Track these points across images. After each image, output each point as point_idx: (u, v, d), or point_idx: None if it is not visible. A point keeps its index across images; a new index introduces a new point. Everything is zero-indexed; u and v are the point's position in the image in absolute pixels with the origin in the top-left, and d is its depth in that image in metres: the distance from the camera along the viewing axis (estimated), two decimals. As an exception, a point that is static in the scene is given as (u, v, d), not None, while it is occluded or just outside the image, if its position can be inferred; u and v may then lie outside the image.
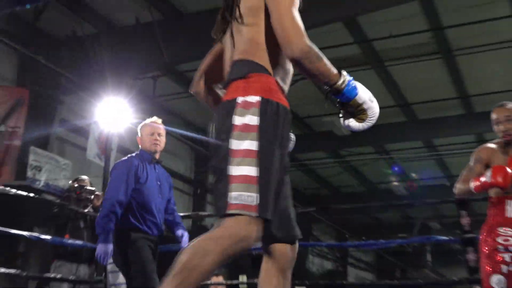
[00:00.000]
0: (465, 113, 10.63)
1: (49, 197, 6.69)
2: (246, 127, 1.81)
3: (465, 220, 4.43)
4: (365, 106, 1.89)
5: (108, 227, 3.76)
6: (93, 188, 5.95)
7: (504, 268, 3.07)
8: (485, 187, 3.20)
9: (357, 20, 8.02)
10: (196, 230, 10.69)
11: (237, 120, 1.83)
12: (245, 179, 1.76)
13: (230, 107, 1.87)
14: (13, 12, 7.33)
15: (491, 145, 3.52)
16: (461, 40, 8.29)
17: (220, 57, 2.18)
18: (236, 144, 1.80)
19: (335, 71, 1.84)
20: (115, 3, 7.63)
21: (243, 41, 1.97)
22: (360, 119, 1.93)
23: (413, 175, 14.17)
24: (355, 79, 1.87)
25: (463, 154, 12.28)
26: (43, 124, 7.52)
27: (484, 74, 9.27)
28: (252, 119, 1.82)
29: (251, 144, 1.79)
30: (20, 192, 5.33)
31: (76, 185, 5.80)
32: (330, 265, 17.24)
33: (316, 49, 1.80)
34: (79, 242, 5.52)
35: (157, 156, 4.17)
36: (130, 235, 3.82)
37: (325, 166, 13.48)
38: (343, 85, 1.84)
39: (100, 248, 3.77)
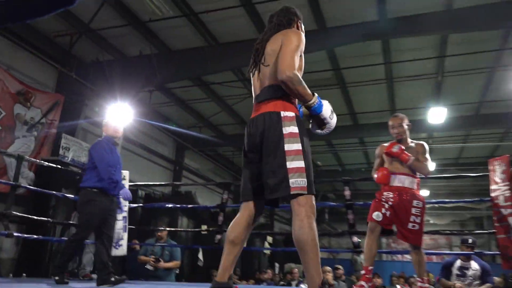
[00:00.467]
0: (352, 124, 10.71)
1: (74, 169, 6.49)
2: (292, 135, 1.90)
3: (347, 192, 4.51)
4: (325, 121, 2.04)
5: (116, 179, 3.66)
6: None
7: (382, 210, 3.31)
8: (377, 180, 3.48)
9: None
10: (174, 193, 10.58)
11: (285, 130, 1.90)
12: (298, 170, 1.85)
13: (278, 118, 1.93)
14: (54, 40, 7.16)
15: (385, 144, 3.58)
16: (351, 77, 8.45)
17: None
18: (290, 146, 1.88)
19: (309, 92, 1.95)
20: (126, 39, 7.48)
21: (269, 72, 2.03)
22: (322, 128, 2.09)
23: (318, 163, 14.35)
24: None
25: (350, 150, 12.58)
26: (72, 119, 7.35)
27: (365, 99, 9.44)
28: (294, 129, 1.91)
29: (298, 146, 1.88)
30: (53, 164, 5.20)
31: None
32: (262, 220, 17.28)
33: (299, 77, 1.91)
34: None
35: (117, 141, 4.05)
36: (93, 192, 3.62)
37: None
38: (314, 103, 1.95)
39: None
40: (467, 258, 4.85)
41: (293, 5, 2.36)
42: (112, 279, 3.50)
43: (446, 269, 4.94)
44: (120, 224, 4.81)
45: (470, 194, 12.91)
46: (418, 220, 3.27)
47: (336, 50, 7.60)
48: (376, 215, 3.28)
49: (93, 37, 7.28)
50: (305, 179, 1.84)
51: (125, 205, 4.90)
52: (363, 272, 3.24)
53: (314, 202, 1.88)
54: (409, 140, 3.57)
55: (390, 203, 3.33)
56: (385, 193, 3.39)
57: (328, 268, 6.23)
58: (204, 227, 9.68)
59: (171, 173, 11.43)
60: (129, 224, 5.07)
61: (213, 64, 7.41)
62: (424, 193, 15.54)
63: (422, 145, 3.53)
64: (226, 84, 8.75)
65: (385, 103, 9.44)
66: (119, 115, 5.87)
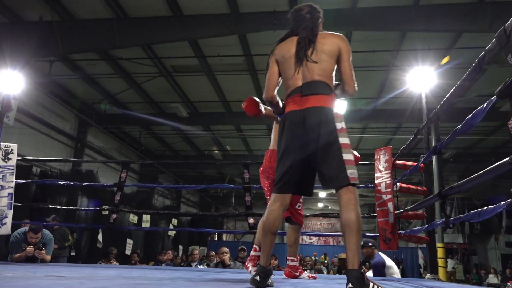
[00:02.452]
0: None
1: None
2: (343, 130, 2.04)
3: (246, 175, 4.61)
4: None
5: None
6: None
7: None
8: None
9: (198, 42, 7.98)
10: (74, 172, 10.00)
11: (338, 125, 2.02)
12: (352, 162, 2.00)
13: (330, 114, 2.05)
14: None
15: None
16: (261, 65, 8.60)
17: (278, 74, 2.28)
18: (343, 140, 2.01)
19: None
20: (24, 2, 6.82)
21: (320, 68, 2.12)
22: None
23: (227, 147, 14.48)
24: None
25: (258, 136, 12.87)
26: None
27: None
28: (343, 125, 2.05)
29: (348, 140, 2.03)
30: None
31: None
32: (168, 202, 17.08)
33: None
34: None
35: None
36: None
37: (171, 135, 13.29)
38: None
39: None
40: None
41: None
42: None
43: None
44: (4, 201, 4.44)
45: (365, 182, 13.94)
46: (301, 200, 3.26)
47: (248, 36, 7.67)
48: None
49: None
50: (356, 171, 2.01)
51: (11, 180, 4.52)
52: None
53: None
54: None
55: None
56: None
57: (225, 249, 6.33)
58: (105, 206, 9.32)
59: (71, 150, 10.77)
60: (20, 202, 4.69)
61: (121, 38, 7.05)
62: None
63: None
64: (134, 60, 8.42)
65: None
66: (7, 82, 5.32)
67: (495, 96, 1.83)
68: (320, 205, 21.13)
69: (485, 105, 1.98)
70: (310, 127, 2.04)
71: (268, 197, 3.03)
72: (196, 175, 17.85)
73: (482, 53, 2.00)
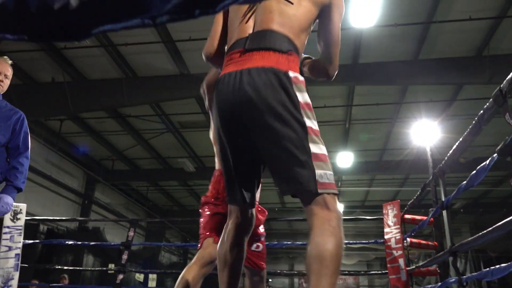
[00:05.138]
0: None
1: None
2: (309, 106, 1.32)
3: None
4: None
5: None
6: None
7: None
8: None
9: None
10: (80, 229, 9.95)
11: (300, 96, 1.30)
12: (323, 157, 1.28)
13: (284, 78, 1.30)
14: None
15: None
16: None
17: (225, 22, 1.56)
18: (309, 122, 1.28)
19: None
20: (38, 64, 7.13)
21: (288, 14, 1.40)
22: None
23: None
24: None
25: (268, 189, 12.82)
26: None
27: None
28: (308, 99, 1.33)
29: (316, 125, 1.32)
30: None
31: None
32: (175, 258, 16.77)
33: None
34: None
35: None
36: None
37: (178, 190, 13.29)
38: None
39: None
40: None
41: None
42: None
43: None
44: (11, 262, 4.40)
45: (374, 235, 13.67)
46: (263, 239, 2.34)
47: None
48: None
49: (0, 59, 6.84)
50: (331, 173, 1.28)
51: (19, 241, 4.51)
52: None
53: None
54: None
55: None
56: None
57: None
58: (111, 265, 9.17)
59: (78, 207, 10.78)
60: (26, 263, 4.65)
61: (130, 97, 7.28)
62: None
63: None
64: (142, 117, 8.61)
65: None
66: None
67: (496, 154, 1.86)
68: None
69: (487, 162, 2.01)
70: (247, 98, 1.30)
71: (200, 240, 2.15)
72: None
73: (481, 111, 2.05)
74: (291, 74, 1.32)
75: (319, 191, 1.22)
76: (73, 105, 7.27)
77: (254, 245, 2.26)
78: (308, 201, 1.24)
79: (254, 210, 1.56)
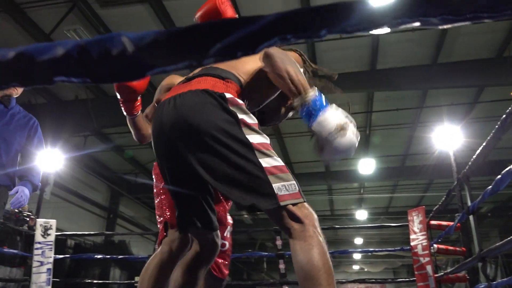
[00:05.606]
0: (324, 171, 10.83)
1: None
2: (250, 124, 1.28)
3: (278, 242, 4.57)
4: None
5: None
6: (29, 213, 5.50)
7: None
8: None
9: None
10: (106, 243, 10.12)
11: (240, 114, 1.26)
12: (281, 168, 1.25)
13: (219, 98, 1.27)
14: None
15: None
16: (287, 129, 8.78)
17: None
18: (253, 138, 1.25)
19: None
20: (61, 83, 7.33)
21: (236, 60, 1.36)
22: None
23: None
24: None
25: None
26: None
27: (300, 149, 9.69)
28: (249, 118, 1.29)
29: (263, 138, 1.28)
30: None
31: (16, 210, 5.34)
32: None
33: None
34: (14, 250, 5.05)
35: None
36: None
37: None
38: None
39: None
40: None
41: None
42: None
43: None
44: (44, 277, 4.53)
45: (399, 242, 13.47)
46: (229, 234, 2.06)
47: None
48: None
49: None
50: (293, 182, 1.23)
51: (50, 256, 4.64)
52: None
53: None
54: None
55: None
56: None
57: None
58: (137, 278, 9.30)
59: (104, 221, 10.98)
60: (56, 277, 4.78)
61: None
62: (358, 241, 16.00)
63: None
64: (164, 131, 8.75)
65: (319, 153, 9.83)
66: (47, 160, 5.64)
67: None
68: (356, 267, 20.35)
69: (512, 166, 1.99)
70: (183, 119, 1.26)
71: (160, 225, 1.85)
72: (226, 240, 17.66)
73: (504, 115, 2.05)
74: (228, 95, 1.28)
75: (281, 203, 1.17)
76: (97, 121, 7.45)
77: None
78: (274, 217, 1.21)
79: (217, 235, 1.49)
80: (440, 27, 0.38)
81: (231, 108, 1.25)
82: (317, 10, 0.37)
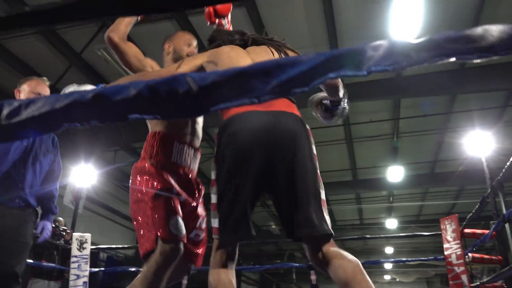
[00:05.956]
0: (352, 180, 10.69)
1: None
2: (316, 157, 1.55)
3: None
4: None
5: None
6: (65, 227, 5.68)
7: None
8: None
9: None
10: (138, 256, 10.30)
11: (314, 149, 1.52)
12: (325, 204, 1.46)
13: (307, 130, 1.54)
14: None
15: None
16: (314, 138, 8.73)
17: None
18: (318, 172, 1.48)
19: None
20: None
21: None
22: None
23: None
24: None
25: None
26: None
27: (328, 158, 9.51)
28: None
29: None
30: None
31: (53, 224, 5.51)
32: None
33: None
34: (52, 264, 5.21)
35: None
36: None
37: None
38: None
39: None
40: None
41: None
42: None
43: None
44: (79, 290, 4.66)
45: (431, 251, 13.19)
46: (203, 225, 1.99)
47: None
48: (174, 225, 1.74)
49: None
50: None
51: (86, 269, 4.78)
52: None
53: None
54: None
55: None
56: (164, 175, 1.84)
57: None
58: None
59: (134, 234, 11.16)
60: (90, 289, 4.91)
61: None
62: (388, 250, 15.70)
63: None
64: (191, 144, 8.88)
65: (346, 162, 9.76)
66: (81, 175, 5.83)
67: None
68: (387, 277, 19.96)
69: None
70: (284, 141, 1.36)
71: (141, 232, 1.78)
72: (254, 252, 17.66)
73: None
74: (308, 128, 1.50)
75: (331, 233, 1.35)
76: (126, 136, 7.66)
77: (194, 233, 1.93)
78: (323, 243, 1.35)
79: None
80: (475, 60, 0.43)
81: (311, 140, 1.49)
82: (363, 51, 0.42)
